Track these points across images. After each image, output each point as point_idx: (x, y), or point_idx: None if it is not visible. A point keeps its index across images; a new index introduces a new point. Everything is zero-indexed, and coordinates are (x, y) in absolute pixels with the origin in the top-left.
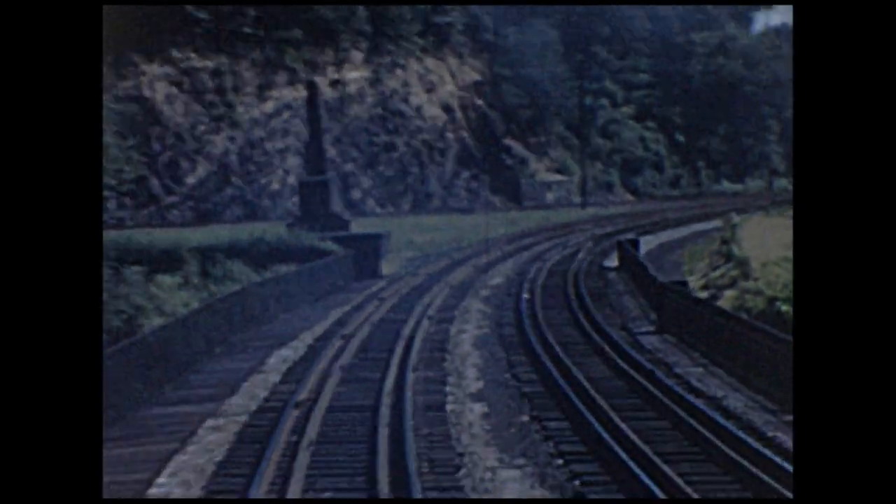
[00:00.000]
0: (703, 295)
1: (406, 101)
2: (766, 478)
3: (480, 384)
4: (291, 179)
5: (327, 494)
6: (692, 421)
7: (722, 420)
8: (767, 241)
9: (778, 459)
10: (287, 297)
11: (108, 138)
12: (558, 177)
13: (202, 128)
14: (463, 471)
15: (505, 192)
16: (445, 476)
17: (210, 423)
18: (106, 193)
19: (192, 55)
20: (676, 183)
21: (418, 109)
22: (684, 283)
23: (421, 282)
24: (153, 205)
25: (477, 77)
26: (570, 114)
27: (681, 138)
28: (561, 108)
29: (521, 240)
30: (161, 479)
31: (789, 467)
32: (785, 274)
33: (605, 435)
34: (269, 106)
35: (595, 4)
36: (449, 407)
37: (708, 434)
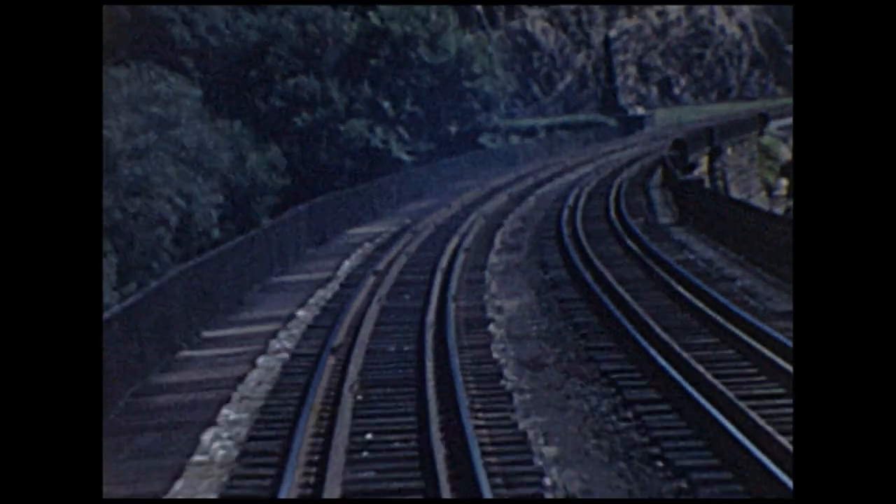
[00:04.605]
0: None
1: (712, 22)
2: None
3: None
4: (630, 82)
5: None
6: None
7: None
8: None
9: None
10: (582, 142)
11: (498, 71)
12: None
13: (567, 50)
14: None
15: (787, 85)
16: None
17: (506, 177)
18: (500, 95)
19: None
20: None
21: (721, 28)
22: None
23: (653, 132)
24: (535, 103)
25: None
26: None
27: None
28: None
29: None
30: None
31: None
32: None
33: None
34: (613, 32)
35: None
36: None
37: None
